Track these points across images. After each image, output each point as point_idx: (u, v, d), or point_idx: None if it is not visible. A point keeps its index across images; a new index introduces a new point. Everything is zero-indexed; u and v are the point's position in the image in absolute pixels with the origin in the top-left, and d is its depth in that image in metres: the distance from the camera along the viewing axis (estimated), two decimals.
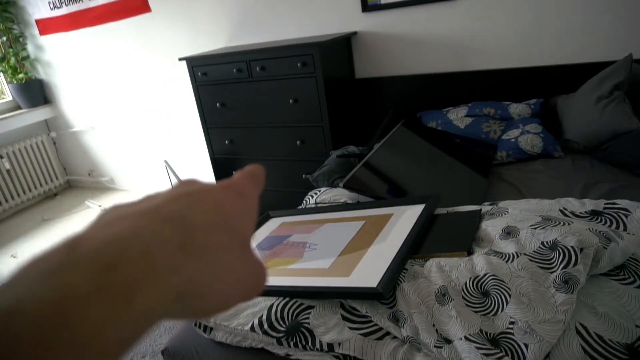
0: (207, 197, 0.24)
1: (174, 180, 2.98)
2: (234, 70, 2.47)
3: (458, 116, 2.28)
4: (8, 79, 3.77)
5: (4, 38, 3.68)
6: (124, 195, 3.89)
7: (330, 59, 2.38)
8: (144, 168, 3.79)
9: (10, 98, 3.86)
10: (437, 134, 2.25)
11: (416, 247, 1.15)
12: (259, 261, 0.25)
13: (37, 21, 3.60)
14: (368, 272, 1.09)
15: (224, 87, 2.57)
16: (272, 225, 1.66)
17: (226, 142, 2.70)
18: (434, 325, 0.92)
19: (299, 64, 2.30)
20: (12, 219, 3.74)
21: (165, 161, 3.15)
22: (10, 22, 3.66)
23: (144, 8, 3.11)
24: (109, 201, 3.81)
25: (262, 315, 1.09)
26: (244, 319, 1.12)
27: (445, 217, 1.30)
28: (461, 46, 2.40)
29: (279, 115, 2.48)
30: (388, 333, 0.98)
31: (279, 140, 2.55)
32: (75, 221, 3.54)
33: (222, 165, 2.82)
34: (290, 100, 2.40)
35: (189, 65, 2.63)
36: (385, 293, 0.96)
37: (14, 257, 3.10)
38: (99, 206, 3.69)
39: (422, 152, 2.07)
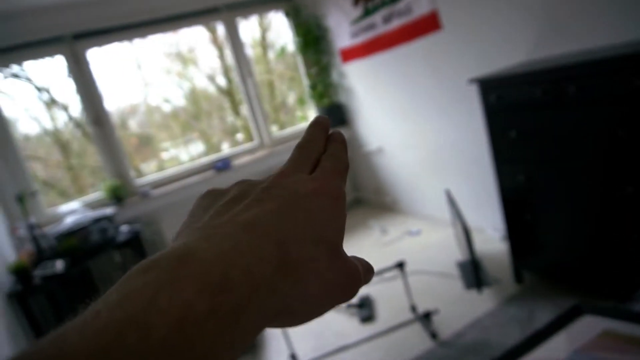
0: (300, 206, 0.24)
1: (454, 213, 2.68)
2: (538, 92, 1.96)
3: None
4: (316, 104, 4.28)
5: (316, 68, 4.18)
6: (404, 219, 3.84)
7: None
8: (424, 193, 3.63)
9: None
10: None
11: None
12: (350, 265, 0.25)
13: (340, 50, 3.93)
14: None
15: (523, 113, 2.08)
16: (584, 328, 1.13)
17: (519, 179, 2.20)
18: None
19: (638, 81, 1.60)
20: None
21: (447, 191, 2.87)
22: (320, 54, 4.12)
23: (434, 26, 2.91)
24: (389, 223, 3.83)
25: None
26: None
27: None
28: None
29: (598, 151, 1.83)
30: None
31: (595, 185, 1.89)
32: (359, 238, 3.69)
33: (512, 206, 2.33)
34: (619, 132, 1.72)
35: (480, 88, 2.25)
36: None
37: None
38: (380, 228, 3.74)
39: None
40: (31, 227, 2.92)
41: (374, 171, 4.17)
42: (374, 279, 2.86)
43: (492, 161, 2.33)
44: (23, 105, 3.82)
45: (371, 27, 3.46)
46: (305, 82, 4.33)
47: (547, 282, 2.39)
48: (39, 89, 3.94)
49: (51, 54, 3.41)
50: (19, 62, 3.41)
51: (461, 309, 2.43)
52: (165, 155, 4.85)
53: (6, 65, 3.41)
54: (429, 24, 2.95)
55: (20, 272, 2.60)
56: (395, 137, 3.72)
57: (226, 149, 4.42)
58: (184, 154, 4.91)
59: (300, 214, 0.24)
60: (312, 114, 4.49)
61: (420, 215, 3.76)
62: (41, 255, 2.93)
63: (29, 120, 3.90)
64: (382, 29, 3.36)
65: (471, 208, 3.12)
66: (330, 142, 0.30)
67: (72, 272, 2.78)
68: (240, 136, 4.70)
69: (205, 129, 4.84)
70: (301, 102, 4.46)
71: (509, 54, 2.51)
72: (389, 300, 2.67)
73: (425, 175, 3.54)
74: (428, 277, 2.79)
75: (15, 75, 3.73)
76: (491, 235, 3.04)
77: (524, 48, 2.44)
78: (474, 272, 2.42)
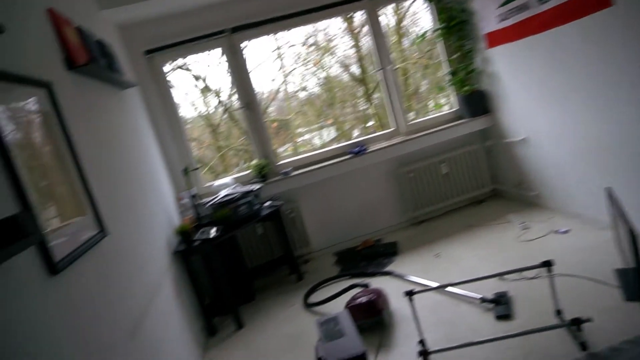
0: None
1: (617, 214, 2.36)
2: None
3: None
4: (456, 91, 4.12)
5: (457, 54, 4.01)
6: (549, 216, 3.51)
7: None
8: (577, 190, 3.27)
9: (456, 108, 4.21)
10: None
11: None
12: None
13: (485, 35, 3.71)
14: None
15: None
16: None
17: None
18: None
19: None
20: (441, 219, 4.12)
21: (608, 189, 2.55)
22: (463, 40, 3.94)
23: (603, 2, 2.56)
24: (532, 219, 3.54)
25: None
26: None
27: None
28: None
29: None
30: None
31: None
32: (496, 232, 3.49)
33: None
34: None
35: None
36: None
37: (438, 256, 3.36)
38: (521, 223, 3.48)
39: None
40: (193, 197, 3.34)
41: (516, 163, 3.88)
42: (513, 275, 2.68)
43: None
44: (184, 93, 4.36)
45: (523, 8, 3.19)
46: (445, 69, 4.18)
47: None
48: (197, 78, 4.45)
49: (212, 47, 3.83)
50: (184, 55, 3.89)
51: (618, 322, 2.16)
52: (299, 140, 5.13)
53: (174, 59, 3.92)
54: (595, 2, 2.61)
55: (184, 234, 3.01)
56: (545, 127, 3.40)
57: (357, 135, 4.51)
58: (317, 139, 5.13)
59: None
60: (450, 101, 4.33)
61: (570, 214, 3.40)
62: (199, 221, 3.35)
63: (188, 106, 4.45)
64: (536, 10, 3.08)
65: (639, 211, 2.72)
66: None
67: (223, 238, 3.12)
68: (371, 123, 4.75)
69: (338, 116, 4.99)
70: (440, 89, 4.33)
71: None
72: (530, 300, 2.49)
73: (580, 170, 3.18)
74: (578, 282, 2.52)
75: (179, 67, 4.26)
76: None
77: None
78: (638, 283, 2.12)
